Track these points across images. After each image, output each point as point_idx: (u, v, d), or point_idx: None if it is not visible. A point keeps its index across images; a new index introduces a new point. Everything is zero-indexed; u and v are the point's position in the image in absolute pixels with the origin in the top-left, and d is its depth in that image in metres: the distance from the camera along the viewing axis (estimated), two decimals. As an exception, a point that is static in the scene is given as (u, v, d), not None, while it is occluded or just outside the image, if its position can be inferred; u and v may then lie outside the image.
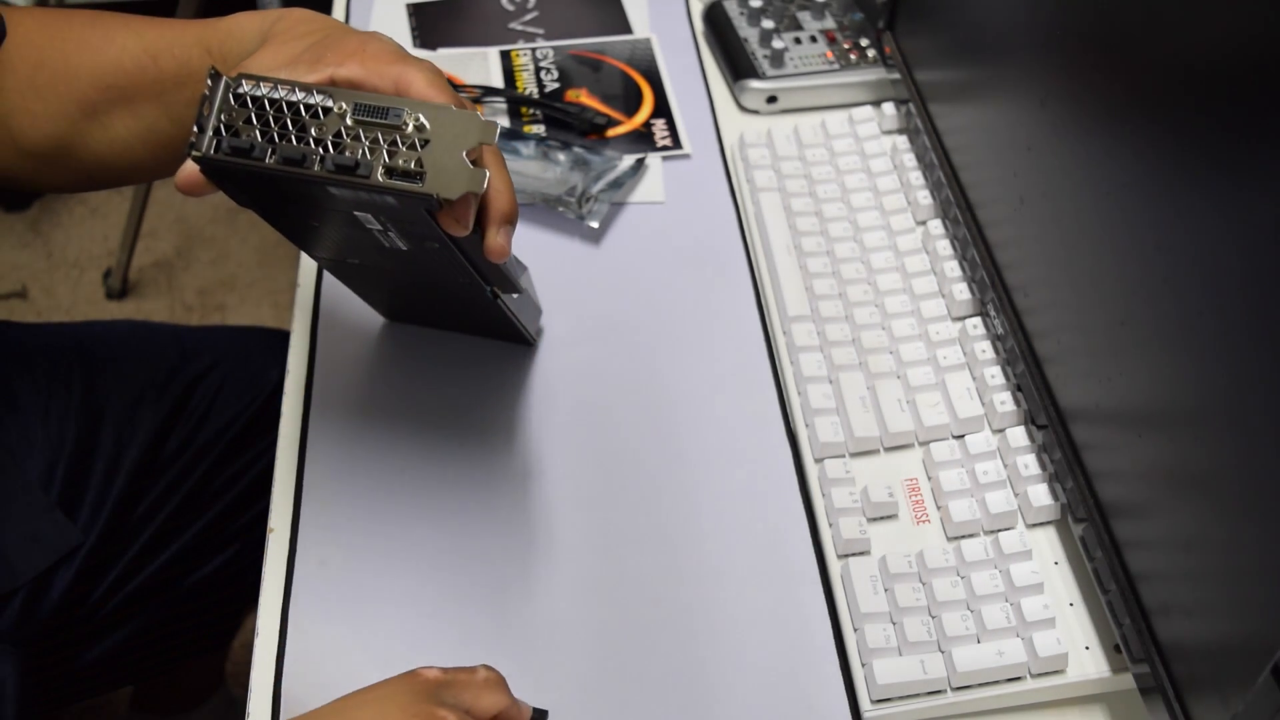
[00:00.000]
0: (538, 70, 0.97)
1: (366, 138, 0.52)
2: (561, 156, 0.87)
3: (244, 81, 0.53)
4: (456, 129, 0.52)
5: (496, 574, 0.65)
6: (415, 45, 1.00)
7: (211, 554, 0.90)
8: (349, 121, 0.52)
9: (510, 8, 1.04)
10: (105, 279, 1.90)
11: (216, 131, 0.53)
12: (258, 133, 0.53)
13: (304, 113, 0.53)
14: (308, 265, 0.81)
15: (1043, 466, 0.65)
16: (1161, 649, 0.53)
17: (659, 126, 0.92)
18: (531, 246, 0.82)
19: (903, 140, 0.86)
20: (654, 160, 0.89)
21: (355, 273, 0.70)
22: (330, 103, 0.53)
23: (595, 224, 0.83)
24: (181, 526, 0.88)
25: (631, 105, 0.94)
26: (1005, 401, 0.68)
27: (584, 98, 0.94)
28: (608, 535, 0.67)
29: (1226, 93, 0.48)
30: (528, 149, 0.88)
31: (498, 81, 0.96)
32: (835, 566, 0.65)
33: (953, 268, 0.75)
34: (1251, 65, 0.46)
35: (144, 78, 0.66)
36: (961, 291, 0.74)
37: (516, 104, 0.93)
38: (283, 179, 0.53)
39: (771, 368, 0.75)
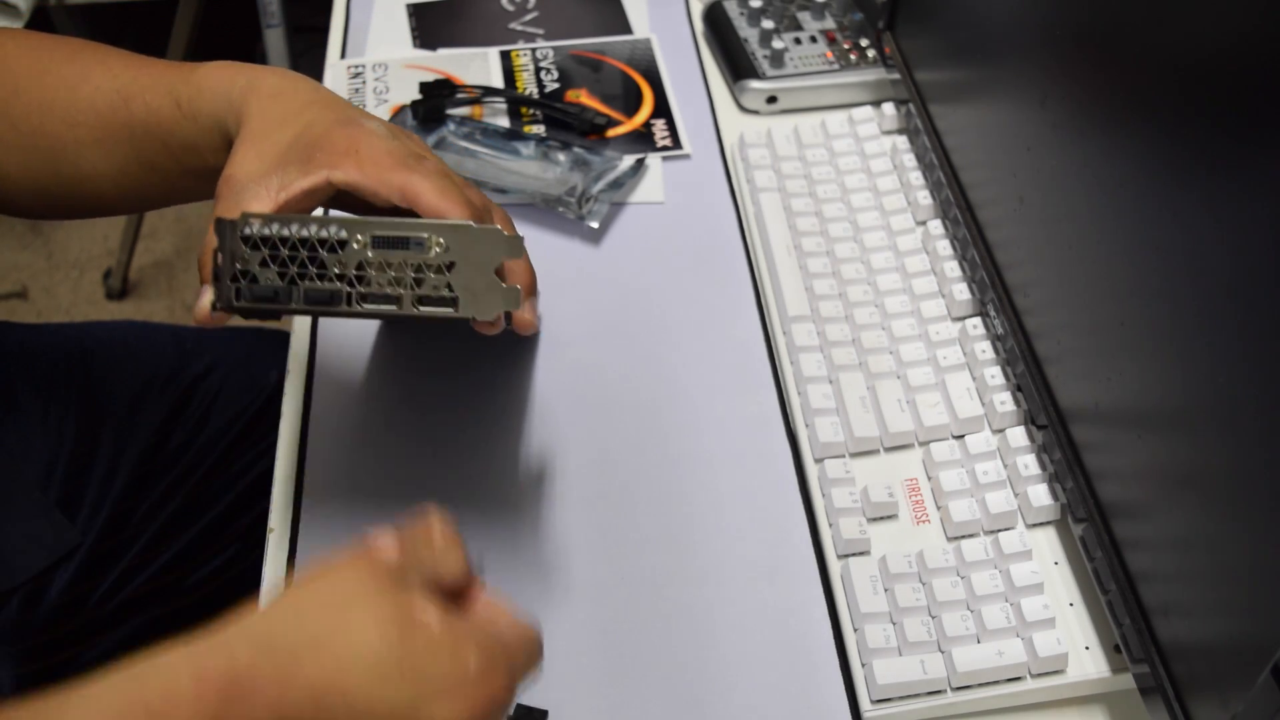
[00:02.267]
0: (538, 70, 0.97)
1: (390, 267, 0.52)
2: (561, 156, 0.87)
3: (251, 222, 0.52)
4: (482, 248, 0.51)
5: (496, 574, 0.65)
6: (415, 45, 1.00)
7: (211, 554, 0.90)
8: (369, 254, 0.52)
9: (510, 8, 1.04)
10: (105, 279, 1.90)
11: (235, 279, 0.52)
12: (276, 275, 0.52)
13: (320, 248, 0.52)
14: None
15: (1043, 466, 0.65)
16: (1161, 649, 0.53)
17: (659, 127, 0.92)
18: (531, 247, 0.81)
19: (903, 140, 0.86)
20: (654, 160, 0.89)
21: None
22: (345, 234, 0.52)
23: (595, 224, 0.83)
24: (181, 527, 0.88)
25: (631, 105, 0.94)
26: (1005, 401, 0.68)
27: (584, 98, 0.94)
28: (607, 535, 0.67)
29: (1226, 93, 0.48)
30: (528, 149, 0.88)
31: (498, 81, 0.96)
32: (835, 566, 0.65)
33: (953, 268, 0.75)
34: (1251, 66, 0.46)
35: (115, 119, 0.65)
36: (961, 291, 0.74)
37: (516, 104, 0.93)
38: (313, 315, 0.52)
39: (771, 368, 0.75)
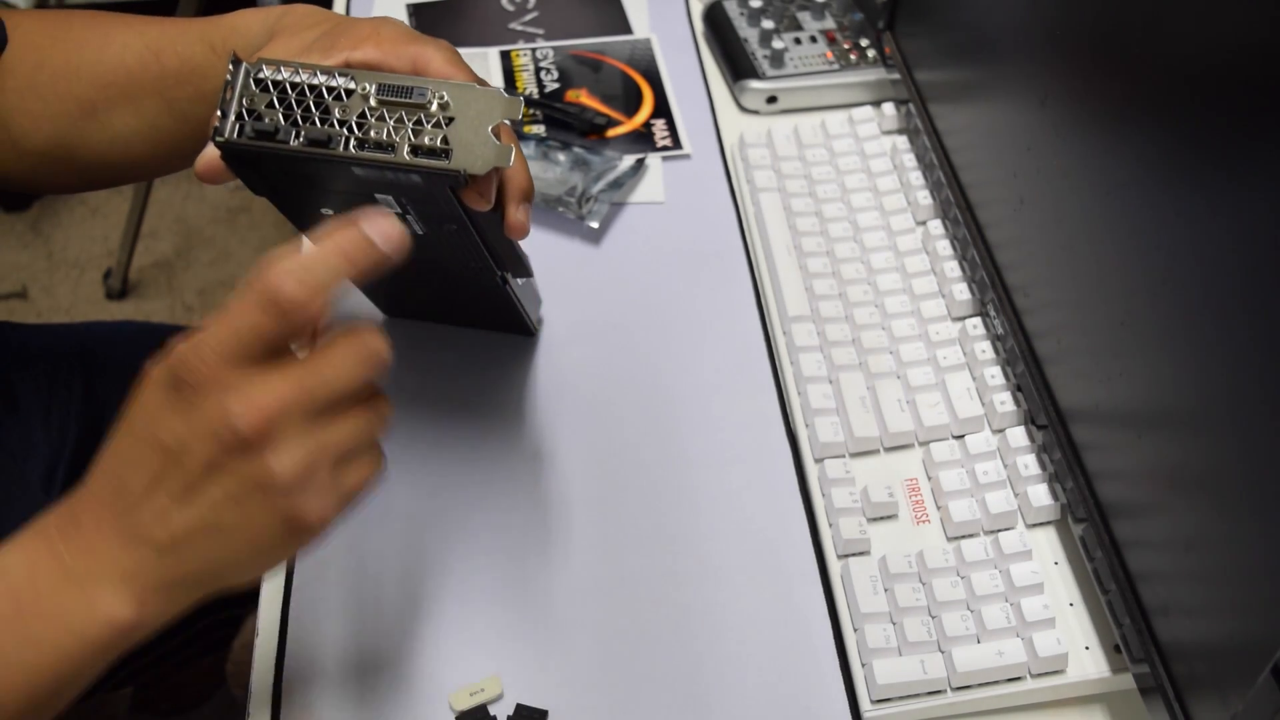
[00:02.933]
0: (538, 70, 0.97)
1: (391, 117, 0.53)
2: (561, 156, 0.87)
3: (264, 66, 0.53)
4: (480, 105, 0.52)
5: (497, 574, 0.65)
6: (415, 45, 1.00)
7: (211, 554, 0.90)
8: (372, 102, 0.53)
9: (510, 8, 1.04)
10: (105, 279, 1.90)
11: (239, 116, 0.53)
12: (281, 116, 0.53)
13: (327, 95, 0.53)
14: (308, 265, 0.81)
15: (1043, 466, 0.65)
16: (1161, 649, 0.53)
17: (659, 126, 0.92)
18: (532, 246, 0.82)
19: (903, 140, 0.86)
20: (654, 160, 0.89)
21: None
22: (353, 84, 0.53)
23: (595, 224, 0.83)
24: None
25: (631, 105, 0.94)
26: (1005, 401, 0.68)
27: (584, 98, 0.94)
28: (608, 535, 0.67)
29: (1226, 92, 0.48)
30: (528, 149, 0.88)
31: (498, 82, 0.96)
32: (835, 566, 0.65)
33: (953, 268, 0.75)
34: (1251, 65, 0.46)
35: (146, 74, 0.66)
36: (961, 291, 0.74)
37: (516, 104, 0.93)
38: (307, 161, 0.53)
39: (771, 368, 0.75)
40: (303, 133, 0.53)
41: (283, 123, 0.53)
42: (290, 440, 0.44)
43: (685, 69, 0.97)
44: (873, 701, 0.59)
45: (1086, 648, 0.60)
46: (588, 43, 1.00)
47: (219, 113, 0.53)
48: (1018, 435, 0.67)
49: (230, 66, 0.53)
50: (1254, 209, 0.45)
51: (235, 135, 0.53)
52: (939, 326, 0.73)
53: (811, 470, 0.69)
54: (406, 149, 0.52)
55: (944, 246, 0.77)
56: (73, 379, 0.86)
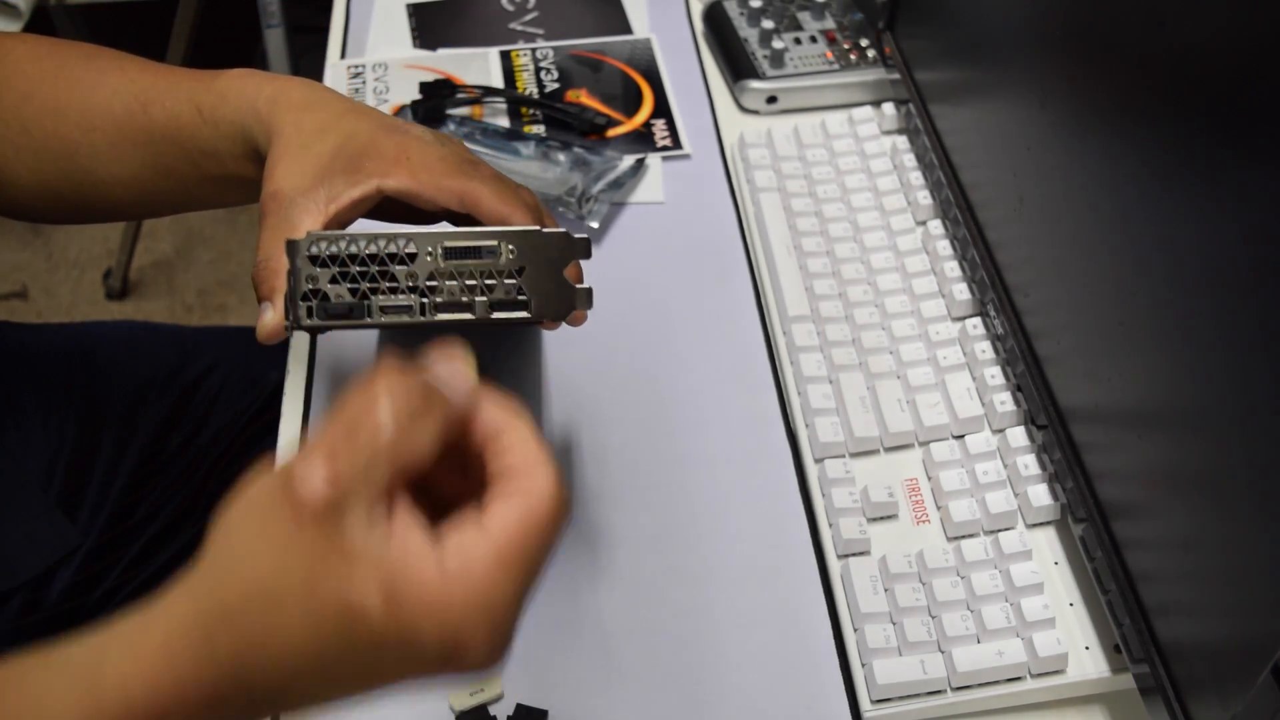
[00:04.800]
0: (538, 70, 0.97)
1: (460, 276, 0.52)
2: (561, 156, 0.87)
3: (318, 241, 0.52)
4: (550, 251, 0.52)
5: (496, 574, 0.65)
6: (415, 45, 1.00)
7: (211, 554, 0.90)
8: (440, 265, 0.52)
9: (510, 8, 1.04)
10: (105, 279, 1.91)
11: (306, 298, 0.52)
12: (348, 291, 0.52)
13: (390, 261, 0.52)
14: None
15: (1043, 466, 0.65)
16: (1161, 649, 0.53)
17: (659, 126, 0.92)
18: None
19: (903, 140, 0.86)
20: (654, 160, 0.89)
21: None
22: (414, 248, 0.52)
23: (595, 224, 0.83)
24: (181, 527, 0.87)
25: (631, 105, 0.94)
26: (1005, 401, 0.68)
27: (584, 98, 0.94)
28: (607, 534, 0.67)
29: (1226, 92, 0.48)
30: (528, 149, 0.88)
31: (498, 81, 0.96)
32: (835, 566, 0.65)
33: (953, 268, 0.75)
34: (1251, 65, 0.46)
35: (132, 124, 0.64)
36: (961, 291, 0.74)
37: (516, 104, 0.93)
38: (388, 329, 0.53)
39: (771, 368, 0.75)
40: (376, 304, 0.52)
41: (352, 299, 0.52)
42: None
43: (685, 69, 0.97)
44: (873, 701, 0.59)
45: (1086, 648, 0.60)
46: (588, 43, 1.00)
47: (287, 298, 0.52)
48: (1018, 435, 0.67)
49: (285, 248, 0.52)
50: (1254, 208, 0.45)
51: (309, 320, 0.52)
52: (939, 326, 0.73)
53: (811, 470, 0.69)
54: (484, 307, 0.52)
55: (944, 246, 0.77)
56: (72, 379, 0.86)
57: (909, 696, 0.59)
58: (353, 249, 0.52)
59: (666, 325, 0.78)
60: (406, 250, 0.52)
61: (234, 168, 0.62)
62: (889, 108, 0.88)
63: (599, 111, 0.93)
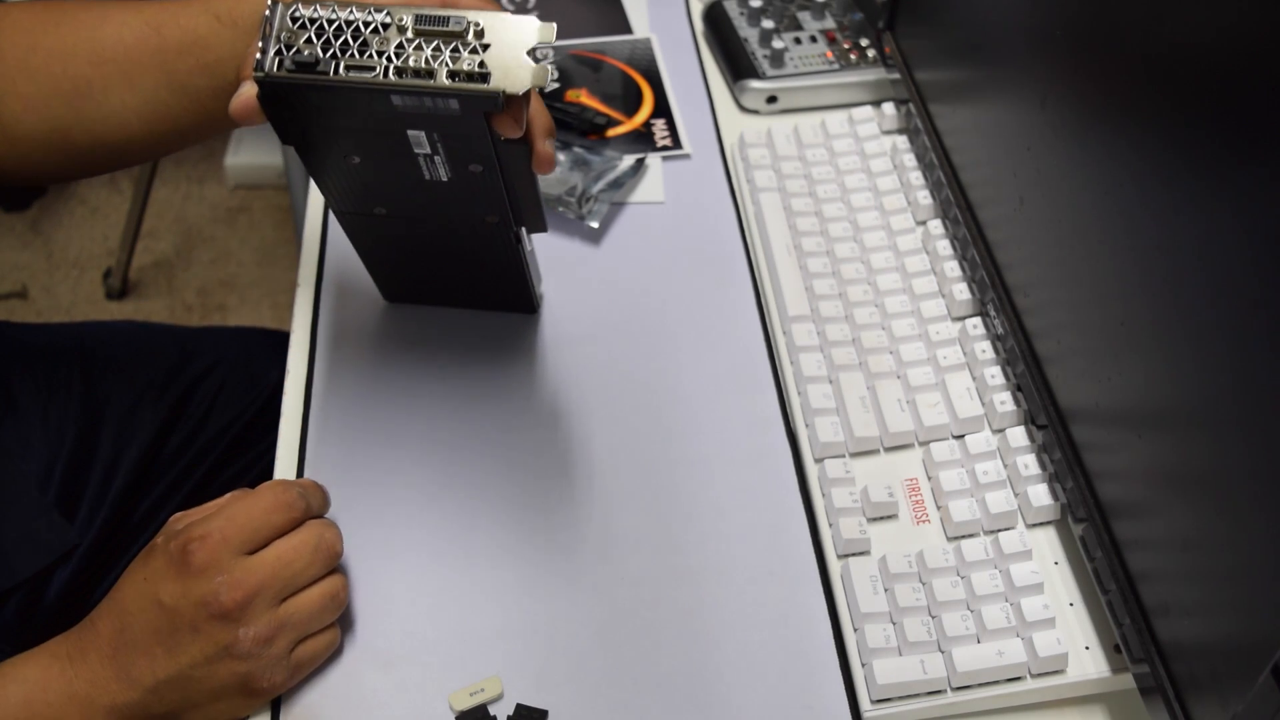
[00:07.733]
0: (538, 70, 0.97)
1: (428, 46, 0.54)
2: (561, 156, 0.87)
3: (301, 4, 0.55)
4: (515, 31, 0.54)
5: (496, 574, 0.65)
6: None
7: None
8: (409, 33, 0.55)
9: (510, 7, 1.04)
10: (105, 279, 1.91)
11: (279, 52, 0.55)
12: (320, 49, 0.55)
13: (364, 28, 0.55)
14: (308, 265, 0.81)
15: (1043, 466, 0.65)
16: (1161, 649, 0.53)
17: (659, 126, 0.92)
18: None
19: (903, 140, 0.86)
20: (654, 160, 0.89)
21: (374, 229, 0.70)
22: (389, 17, 0.55)
23: (595, 224, 0.83)
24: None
25: (631, 105, 0.94)
26: (1005, 401, 0.68)
27: (584, 98, 0.94)
28: (608, 534, 0.67)
29: (1226, 92, 0.48)
30: (528, 149, 0.88)
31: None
32: (835, 566, 0.65)
33: (953, 268, 0.75)
34: (1251, 65, 0.46)
35: (145, 49, 0.66)
36: (961, 291, 0.74)
37: (516, 104, 0.93)
38: (345, 94, 0.55)
39: (771, 368, 0.75)
40: (343, 63, 0.54)
41: (322, 55, 0.55)
42: (259, 616, 0.56)
43: (685, 69, 0.97)
44: (873, 701, 0.59)
45: (1086, 648, 0.60)
46: (588, 42, 1.00)
47: (259, 48, 0.55)
48: (1018, 435, 0.67)
49: (268, 6, 0.55)
50: (1254, 208, 0.45)
51: (275, 68, 0.55)
52: (939, 326, 0.73)
53: (811, 470, 0.69)
54: (445, 74, 0.54)
55: (944, 246, 0.77)
56: (72, 379, 0.86)
57: (909, 696, 0.59)
58: (332, 15, 0.55)
59: (666, 325, 0.78)
60: (381, 20, 0.55)
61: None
62: (889, 107, 0.88)
63: (599, 111, 0.93)
